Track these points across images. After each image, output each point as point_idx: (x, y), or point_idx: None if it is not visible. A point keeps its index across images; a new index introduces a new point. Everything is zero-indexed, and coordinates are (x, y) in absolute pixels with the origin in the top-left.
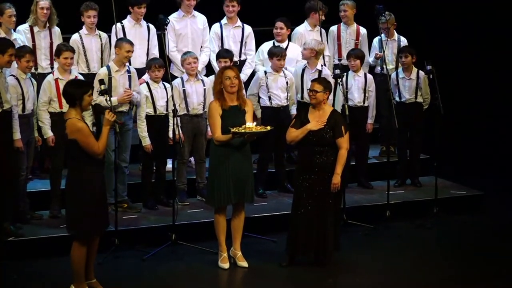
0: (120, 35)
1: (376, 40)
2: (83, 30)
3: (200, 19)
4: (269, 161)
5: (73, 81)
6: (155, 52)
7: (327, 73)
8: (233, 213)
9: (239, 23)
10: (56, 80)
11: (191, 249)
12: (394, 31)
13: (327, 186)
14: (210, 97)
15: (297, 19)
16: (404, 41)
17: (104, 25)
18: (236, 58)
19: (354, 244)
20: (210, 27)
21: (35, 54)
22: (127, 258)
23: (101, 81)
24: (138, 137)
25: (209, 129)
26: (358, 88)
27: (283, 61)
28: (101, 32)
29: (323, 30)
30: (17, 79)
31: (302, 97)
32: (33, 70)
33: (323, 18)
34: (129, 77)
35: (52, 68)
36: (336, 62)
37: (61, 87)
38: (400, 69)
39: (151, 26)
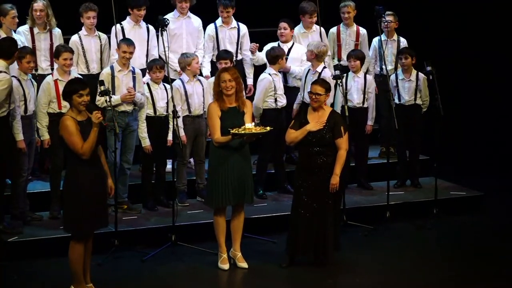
0: (120, 36)
1: (375, 40)
2: (83, 31)
3: (196, 20)
4: (269, 162)
5: (70, 81)
6: (154, 53)
7: (327, 75)
8: (233, 214)
9: (234, 23)
10: (56, 81)
11: (191, 250)
12: (394, 31)
13: (326, 187)
14: (208, 97)
15: (297, 19)
16: (404, 42)
17: (104, 26)
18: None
19: (354, 244)
20: (204, 29)
21: (35, 55)
22: (127, 259)
23: (101, 82)
24: (138, 138)
25: (208, 129)
26: (357, 89)
27: (285, 61)
28: (100, 33)
29: (323, 31)
30: (18, 80)
31: (303, 97)
32: (33, 71)
33: (312, 20)
34: (134, 78)
35: (52, 69)
36: (336, 63)
37: (61, 88)
38: (399, 71)
39: (151, 27)
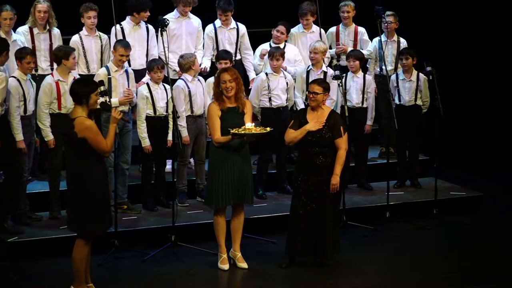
0: (120, 36)
1: (375, 41)
2: (83, 31)
3: (195, 21)
4: (269, 162)
5: (80, 80)
6: (154, 53)
7: (332, 73)
8: (233, 214)
9: (233, 24)
10: (57, 82)
11: (191, 250)
12: (394, 32)
13: (326, 187)
14: (207, 97)
15: (295, 19)
16: (403, 43)
17: (104, 26)
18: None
19: (353, 245)
20: (204, 30)
21: (35, 55)
22: (127, 259)
23: (101, 82)
24: (138, 138)
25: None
26: (356, 89)
27: (277, 61)
28: (101, 33)
29: (322, 31)
30: (18, 80)
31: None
32: (33, 72)
33: (312, 20)
34: (127, 77)
35: (52, 69)
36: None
37: (62, 88)
38: (400, 71)
39: (150, 27)
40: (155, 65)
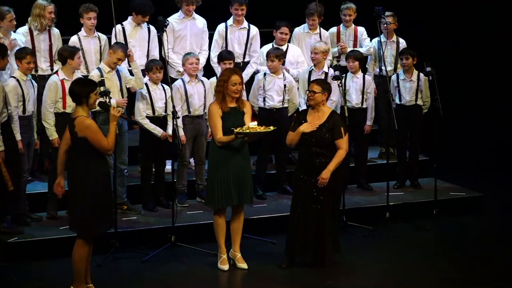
0: (121, 36)
1: (375, 41)
2: (82, 32)
3: (200, 21)
4: (268, 163)
5: (79, 80)
6: (155, 54)
7: (332, 74)
8: (233, 214)
9: (245, 24)
10: (62, 81)
11: (190, 250)
12: (394, 32)
13: (325, 189)
14: (210, 98)
15: (296, 20)
16: (403, 43)
17: (104, 27)
18: (239, 60)
19: (353, 245)
20: (213, 30)
21: (34, 56)
22: (127, 259)
23: (101, 82)
24: (136, 139)
25: (209, 129)
26: (356, 90)
27: (272, 62)
28: (100, 34)
29: (323, 32)
30: (17, 80)
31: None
32: (33, 72)
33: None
34: (119, 78)
35: (52, 70)
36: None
37: (67, 87)
38: (400, 71)
39: (152, 28)
40: (153, 66)
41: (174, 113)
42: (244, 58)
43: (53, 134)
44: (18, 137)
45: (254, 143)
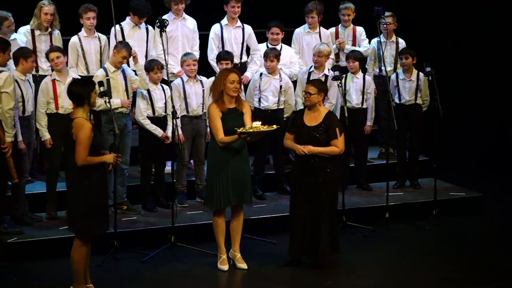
0: (119, 37)
1: (374, 41)
2: (82, 33)
3: (191, 22)
4: (266, 163)
5: (77, 81)
6: (153, 54)
7: (332, 74)
8: (232, 215)
9: (239, 23)
10: (53, 81)
11: (190, 251)
12: (393, 33)
13: (321, 188)
14: (209, 98)
15: (292, 19)
16: (402, 43)
17: (103, 27)
18: (237, 60)
19: (353, 246)
20: (201, 30)
21: (35, 56)
22: (126, 260)
23: (100, 83)
24: (137, 139)
25: (208, 130)
26: (356, 90)
27: (272, 62)
28: (100, 34)
29: (324, 31)
30: (16, 81)
31: None
32: (34, 72)
33: (313, 18)
34: (125, 77)
35: (53, 70)
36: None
37: (58, 88)
38: (400, 71)
39: (150, 28)
40: (154, 65)
41: (174, 113)
42: (241, 58)
43: (45, 135)
44: (19, 138)
45: (254, 144)
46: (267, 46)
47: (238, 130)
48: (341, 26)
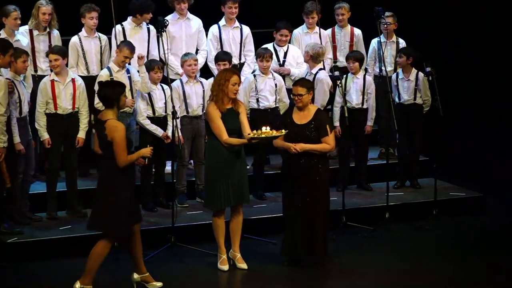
0: (121, 37)
1: (374, 42)
2: (82, 33)
3: (195, 22)
4: (265, 163)
5: (106, 83)
6: (155, 54)
7: (321, 76)
8: (232, 215)
9: (237, 24)
10: (52, 81)
11: (190, 251)
12: (393, 33)
13: (311, 187)
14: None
15: (296, 20)
16: (403, 43)
17: (104, 27)
18: (236, 61)
19: (353, 245)
20: (206, 29)
21: (34, 56)
22: (126, 260)
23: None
24: (137, 139)
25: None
26: (356, 90)
27: (267, 62)
28: (100, 34)
29: (323, 33)
30: (12, 82)
31: None
32: (33, 72)
33: (313, 18)
34: (129, 77)
35: (52, 70)
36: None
37: (56, 88)
38: (400, 70)
39: (151, 28)
40: (155, 65)
41: (174, 113)
42: (240, 59)
43: (43, 135)
44: (17, 139)
45: (254, 144)
46: (274, 47)
47: (249, 136)
48: (337, 27)
